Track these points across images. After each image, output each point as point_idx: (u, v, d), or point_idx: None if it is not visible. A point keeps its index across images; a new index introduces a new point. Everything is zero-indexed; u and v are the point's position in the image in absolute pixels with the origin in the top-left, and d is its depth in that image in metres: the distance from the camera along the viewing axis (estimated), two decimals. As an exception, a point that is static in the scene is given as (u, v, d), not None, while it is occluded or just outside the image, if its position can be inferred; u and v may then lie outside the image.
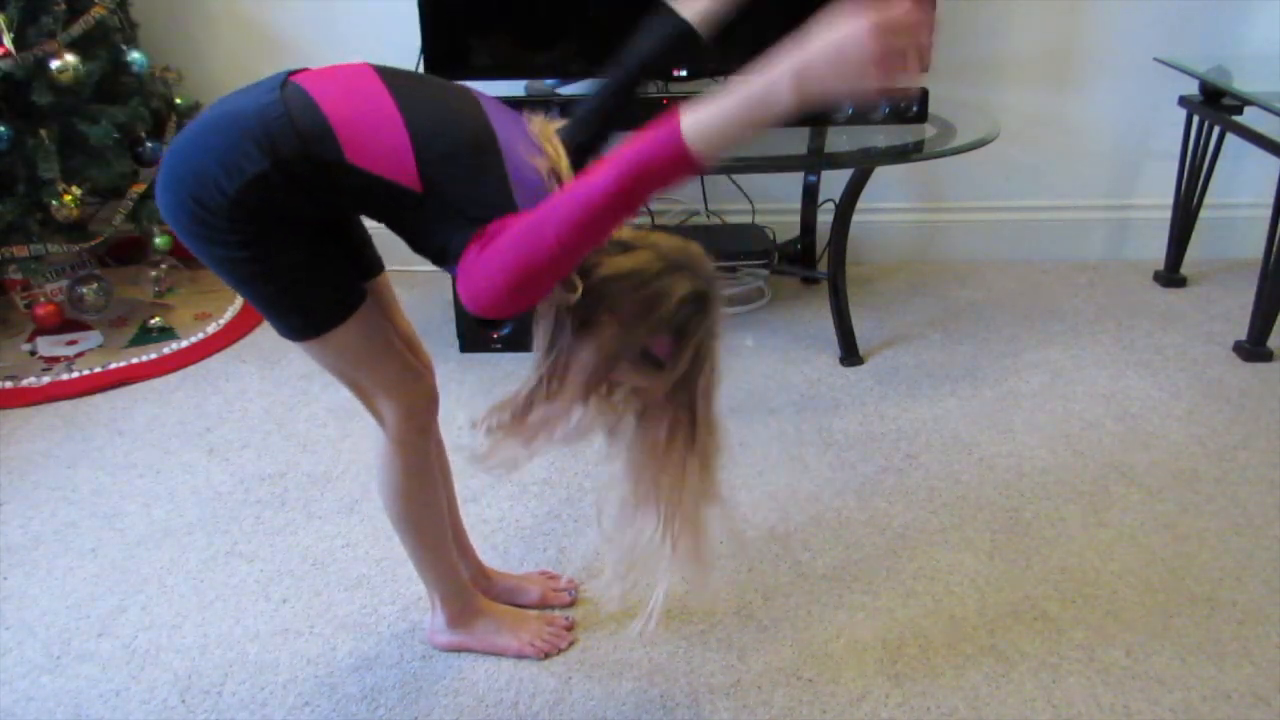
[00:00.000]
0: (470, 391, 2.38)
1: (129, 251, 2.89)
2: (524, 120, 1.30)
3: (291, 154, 1.18)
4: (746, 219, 3.00)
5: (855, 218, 2.55)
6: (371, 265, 1.48)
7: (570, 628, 1.64)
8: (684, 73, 2.50)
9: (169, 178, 1.24)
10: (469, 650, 1.61)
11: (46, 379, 2.41)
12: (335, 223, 1.39)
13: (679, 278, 1.22)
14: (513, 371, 2.46)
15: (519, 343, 2.54)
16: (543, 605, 1.70)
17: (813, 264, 2.94)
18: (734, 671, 1.56)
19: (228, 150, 1.19)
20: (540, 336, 1.27)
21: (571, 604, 1.70)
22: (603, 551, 1.36)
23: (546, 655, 1.59)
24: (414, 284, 2.80)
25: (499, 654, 1.60)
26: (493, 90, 2.54)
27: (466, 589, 1.61)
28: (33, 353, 2.54)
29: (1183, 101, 2.76)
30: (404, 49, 2.50)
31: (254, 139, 1.18)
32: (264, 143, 1.18)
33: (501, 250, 1.13)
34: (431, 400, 1.46)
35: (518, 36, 2.50)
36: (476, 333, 2.54)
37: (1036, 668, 1.57)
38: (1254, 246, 2.98)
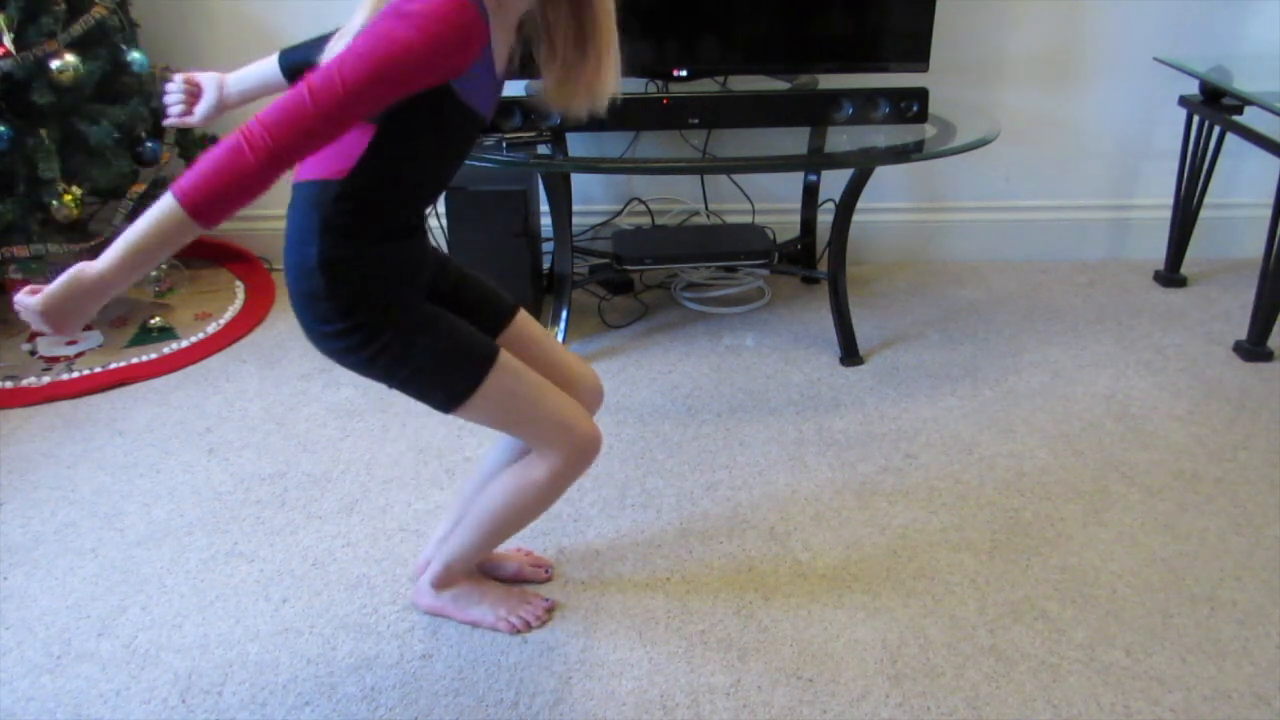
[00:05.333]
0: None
1: (129, 251, 2.89)
2: None
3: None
4: (746, 219, 3.00)
5: (855, 218, 2.55)
6: (494, 319, 1.52)
7: (550, 609, 1.68)
8: (684, 72, 2.51)
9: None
10: (447, 617, 1.67)
11: (46, 379, 2.41)
12: (434, 295, 1.46)
13: None
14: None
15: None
16: (518, 580, 1.75)
17: (813, 264, 2.94)
18: (734, 671, 1.56)
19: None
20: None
21: (547, 580, 1.75)
22: None
23: (518, 631, 1.64)
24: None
25: (473, 624, 1.65)
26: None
27: (472, 567, 1.67)
28: (33, 353, 2.54)
29: (1183, 101, 2.76)
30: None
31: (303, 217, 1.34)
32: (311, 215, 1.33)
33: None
34: (593, 445, 1.48)
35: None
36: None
37: (1036, 668, 1.57)
38: (1254, 246, 2.99)
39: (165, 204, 1.11)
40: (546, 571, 1.76)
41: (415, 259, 1.40)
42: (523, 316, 1.56)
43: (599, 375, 1.63)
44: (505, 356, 1.41)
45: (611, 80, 1.36)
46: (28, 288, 1.14)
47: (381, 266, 1.33)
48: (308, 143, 1.13)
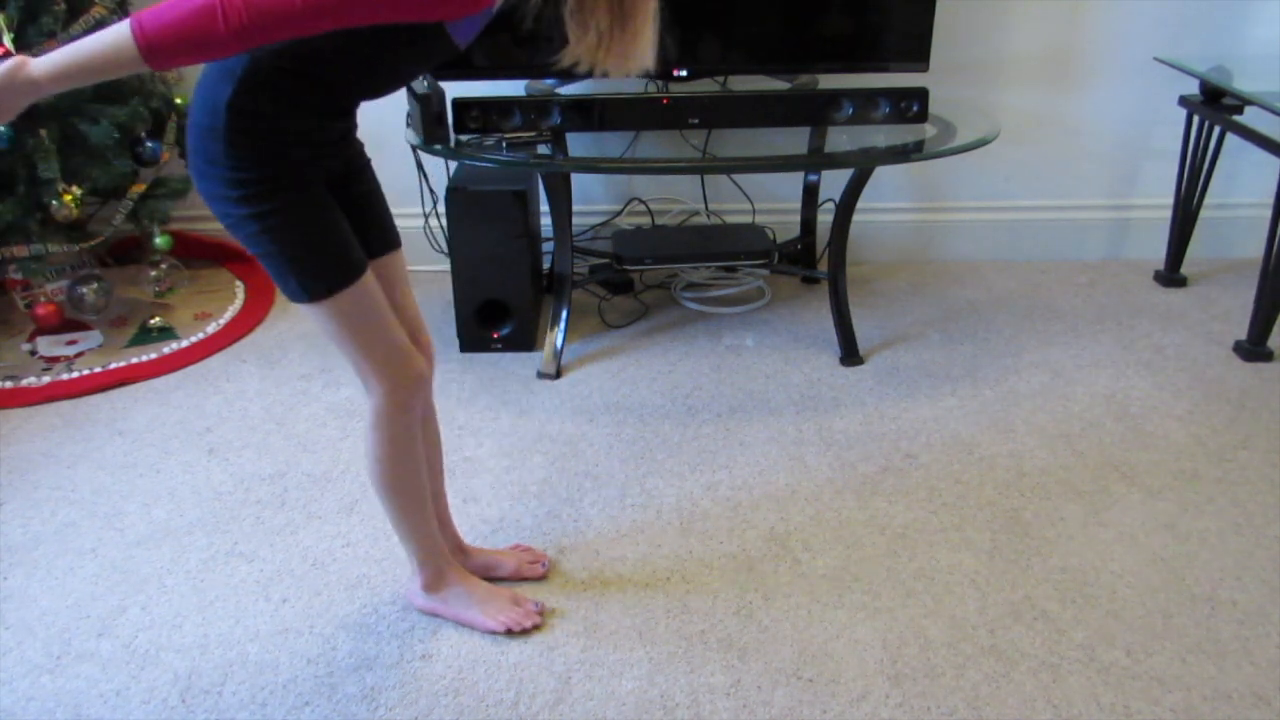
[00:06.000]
0: (470, 391, 2.38)
1: (129, 251, 2.89)
2: None
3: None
4: (746, 219, 3.00)
5: (855, 218, 2.55)
6: (377, 243, 1.52)
7: (541, 612, 1.68)
8: (684, 72, 2.50)
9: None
10: (442, 617, 1.67)
11: (46, 379, 2.41)
12: (338, 191, 1.43)
13: None
14: (512, 371, 2.46)
15: (519, 342, 2.55)
16: (516, 578, 1.75)
17: (813, 264, 2.94)
18: (734, 671, 1.56)
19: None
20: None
21: (544, 577, 1.76)
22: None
23: (510, 632, 1.64)
24: (415, 283, 2.79)
25: (467, 626, 1.65)
26: (492, 90, 2.55)
27: (441, 556, 1.66)
28: (33, 353, 2.54)
29: (1183, 101, 2.76)
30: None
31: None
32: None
33: None
34: (419, 382, 1.50)
35: (517, 37, 2.49)
36: (476, 332, 2.54)
37: (1036, 668, 1.57)
38: (1254, 246, 2.99)
39: (120, 33, 1.10)
40: (543, 565, 1.77)
41: (330, 143, 1.37)
42: (400, 256, 1.57)
43: (434, 344, 1.64)
44: (370, 277, 1.40)
45: (648, 47, 1.36)
46: None
47: (291, 132, 1.29)
48: (281, 31, 1.12)
